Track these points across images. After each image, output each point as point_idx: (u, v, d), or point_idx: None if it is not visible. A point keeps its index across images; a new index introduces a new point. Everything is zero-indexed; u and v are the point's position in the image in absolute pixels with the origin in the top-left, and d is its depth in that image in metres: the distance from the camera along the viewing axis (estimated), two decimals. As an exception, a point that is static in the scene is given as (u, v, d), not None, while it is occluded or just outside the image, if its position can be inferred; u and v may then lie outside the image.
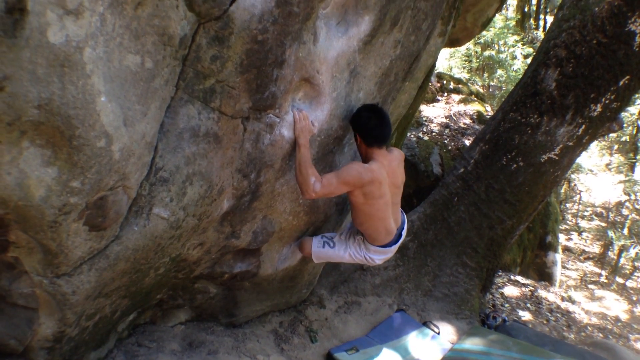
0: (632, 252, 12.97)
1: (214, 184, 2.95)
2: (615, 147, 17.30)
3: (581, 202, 18.01)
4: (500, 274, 8.50)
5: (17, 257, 2.49)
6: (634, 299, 11.11)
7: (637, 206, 14.44)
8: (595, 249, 15.47)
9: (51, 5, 1.76)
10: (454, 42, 10.18)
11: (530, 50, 15.36)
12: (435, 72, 11.57)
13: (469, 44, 15.39)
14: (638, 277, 12.94)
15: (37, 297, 2.66)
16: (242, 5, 2.41)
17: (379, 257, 3.97)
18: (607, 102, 5.79)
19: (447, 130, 9.70)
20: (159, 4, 2.20)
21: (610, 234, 13.76)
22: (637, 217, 14.07)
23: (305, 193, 3.27)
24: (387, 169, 3.55)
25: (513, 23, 16.49)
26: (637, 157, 15.49)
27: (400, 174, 3.80)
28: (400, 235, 3.92)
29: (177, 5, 2.26)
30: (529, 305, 7.70)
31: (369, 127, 3.50)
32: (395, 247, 3.93)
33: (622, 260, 13.37)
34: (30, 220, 2.22)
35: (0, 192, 2.03)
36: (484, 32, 14.34)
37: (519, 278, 8.74)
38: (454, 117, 10.18)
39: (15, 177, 2.02)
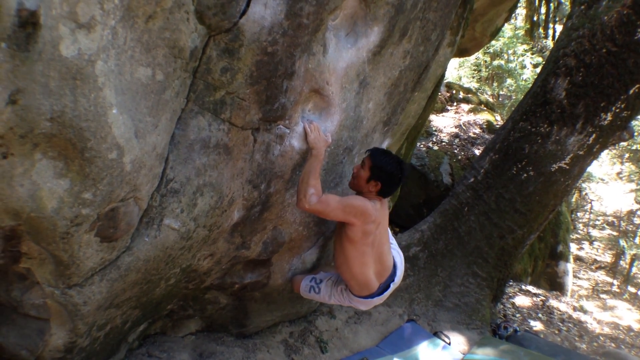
0: (644, 261, 12.90)
1: (224, 195, 2.96)
2: (626, 155, 17.23)
3: (592, 211, 17.94)
4: (511, 283, 8.46)
5: (28, 268, 2.50)
6: (647, 308, 11.02)
7: (649, 215, 14.36)
8: (607, 258, 15.39)
9: (64, 19, 1.78)
10: (463, 52, 10.21)
11: (540, 59, 15.38)
12: (445, 81, 11.58)
13: (478, 54, 15.44)
14: (650, 286, 12.84)
15: (49, 307, 2.67)
16: (252, 18, 2.43)
17: (364, 306, 3.88)
18: (617, 110, 5.78)
19: (456, 140, 9.69)
20: (169, 17, 2.22)
21: (622, 243, 13.70)
22: (649, 226, 13.99)
23: (299, 202, 3.21)
24: (382, 210, 3.53)
25: (522, 32, 16.50)
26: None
27: (387, 218, 3.75)
28: (388, 286, 3.71)
29: (188, 18, 2.28)
30: (540, 315, 7.65)
31: (394, 182, 3.45)
32: (380, 298, 3.75)
33: (634, 270, 13.30)
34: (42, 231, 2.23)
35: (12, 204, 2.05)
36: (493, 42, 14.38)
37: (530, 288, 8.69)
38: (464, 127, 10.17)
39: (27, 189, 2.04)
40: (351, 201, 3.30)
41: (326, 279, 3.96)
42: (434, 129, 10.05)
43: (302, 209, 3.27)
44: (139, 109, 2.26)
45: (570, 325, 7.60)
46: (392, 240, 4.04)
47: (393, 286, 3.74)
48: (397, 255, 3.87)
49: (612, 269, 14.00)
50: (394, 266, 3.75)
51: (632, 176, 17.01)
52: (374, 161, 3.41)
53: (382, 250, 3.58)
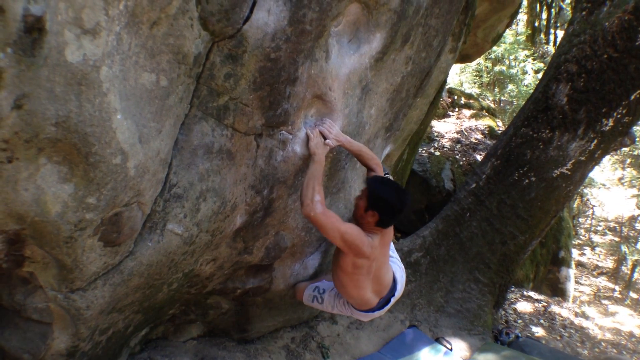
0: (646, 267, 12.89)
1: (227, 200, 2.97)
2: (628, 161, 17.23)
3: (594, 216, 17.92)
4: (513, 289, 8.45)
5: (32, 272, 2.50)
6: (648, 314, 11.01)
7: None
8: (609, 263, 15.37)
9: (69, 25, 1.79)
10: (464, 58, 10.24)
11: (541, 65, 15.39)
12: (446, 87, 11.59)
13: (480, 60, 15.46)
14: (652, 292, 12.82)
15: (52, 311, 2.67)
16: (256, 24, 2.44)
17: (365, 319, 3.87)
18: (618, 116, 5.78)
19: (458, 146, 9.69)
20: (173, 23, 2.23)
21: (624, 248, 13.69)
22: (651, 231, 13.98)
23: (305, 206, 3.09)
24: (382, 240, 3.39)
25: (523, 38, 16.54)
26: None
27: (390, 238, 3.67)
28: (389, 300, 3.68)
29: (192, 24, 2.29)
30: (542, 321, 7.64)
31: (393, 212, 3.28)
32: (380, 312, 3.74)
33: (636, 275, 13.28)
34: (46, 235, 2.24)
35: (17, 208, 2.05)
36: (495, 48, 14.39)
37: (531, 294, 8.68)
38: (466, 133, 10.18)
39: (32, 193, 2.04)
40: (350, 230, 3.17)
41: (329, 290, 3.95)
42: (435, 134, 10.06)
43: (307, 216, 3.13)
44: (143, 115, 2.27)
45: (572, 331, 7.59)
46: (393, 253, 4.02)
47: (394, 300, 3.72)
48: (398, 269, 3.84)
49: (613, 275, 13.99)
50: (394, 280, 3.71)
51: (633, 182, 17.01)
52: (372, 190, 3.28)
53: (380, 274, 3.52)
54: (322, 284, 4.05)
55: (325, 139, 3.23)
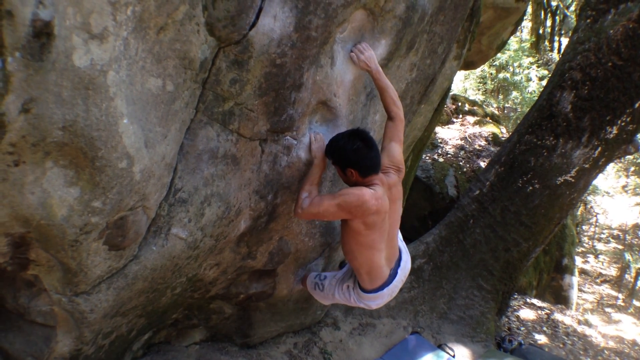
0: (649, 275, 12.84)
1: (231, 205, 2.98)
2: (632, 169, 17.19)
3: (597, 224, 17.87)
4: (516, 296, 8.43)
5: (36, 275, 2.51)
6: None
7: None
8: (612, 271, 15.31)
9: (77, 30, 1.80)
10: (469, 65, 10.23)
11: (545, 72, 15.39)
12: (451, 94, 11.58)
13: (484, 66, 15.45)
14: (656, 301, 12.77)
15: (56, 314, 2.68)
16: (262, 30, 2.46)
17: (374, 303, 3.51)
18: (623, 124, 5.78)
19: (462, 152, 9.68)
20: (180, 28, 2.24)
21: (627, 256, 13.64)
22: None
23: (294, 210, 3.04)
24: (389, 194, 3.11)
25: (528, 45, 16.53)
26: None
27: (400, 198, 3.36)
28: (395, 274, 3.40)
29: (198, 30, 2.31)
30: (545, 328, 7.62)
31: (360, 156, 2.95)
32: (389, 290, 3.40)
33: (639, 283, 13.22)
34: (51, 239, 2.25)
35: (23, 211, 2.06)
36: (499, 55, 14.39)
37: (535, 301, 8.65)
38: (469, 139, 10.17)
39: (38, 197, 2.05)
40: (345, 197, 2.92)
41: (331, 276, 3.81)
42: (439, 141, 10.05)
43: (298, 217, 3.06)
44: (149, 119, 2.28)
45: (574, 339, 7.56)
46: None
47: (401, 272, 3.45)
48: (401, 244, 3.61)
49: (617, 283, 13.95)
50: (400, 251, 3.50)
51: (637, 189, 16.98)
52: (327, 152, 3.08)
53: (393, 234, 3.30)
54: (326, 273, 3.97)
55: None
